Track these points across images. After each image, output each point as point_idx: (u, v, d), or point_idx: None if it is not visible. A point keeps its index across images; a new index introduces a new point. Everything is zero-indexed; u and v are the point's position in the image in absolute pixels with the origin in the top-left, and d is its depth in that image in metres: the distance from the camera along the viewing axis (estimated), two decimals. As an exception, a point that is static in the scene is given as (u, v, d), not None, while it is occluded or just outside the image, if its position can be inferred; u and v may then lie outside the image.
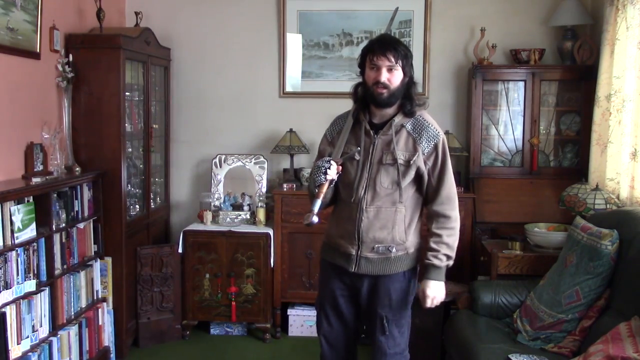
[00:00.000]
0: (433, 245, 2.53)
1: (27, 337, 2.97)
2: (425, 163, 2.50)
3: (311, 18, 4.62)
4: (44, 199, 3.17)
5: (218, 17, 4.70)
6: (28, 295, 2.98)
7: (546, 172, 4.32)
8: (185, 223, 4.57)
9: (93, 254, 3.70)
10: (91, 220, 3.67)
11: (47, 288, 3.16)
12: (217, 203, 4.48)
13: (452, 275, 4.04)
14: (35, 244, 3.05)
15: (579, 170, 4.18)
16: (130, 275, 4.01)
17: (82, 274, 3.55)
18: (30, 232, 3.01)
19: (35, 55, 3.42)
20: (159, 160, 4.60)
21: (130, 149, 4.05)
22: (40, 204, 3.13)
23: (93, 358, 3.61)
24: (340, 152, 2.54)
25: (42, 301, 3.11)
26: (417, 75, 4.46)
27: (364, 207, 2.49)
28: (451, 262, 2.55)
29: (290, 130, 4.49)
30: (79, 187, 3.53)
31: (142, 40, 4.09)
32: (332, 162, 2.47)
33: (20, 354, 2.90)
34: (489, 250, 3.71)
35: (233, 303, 4.20)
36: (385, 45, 2.44)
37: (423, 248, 2.59)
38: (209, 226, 4.32)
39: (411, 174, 2.49)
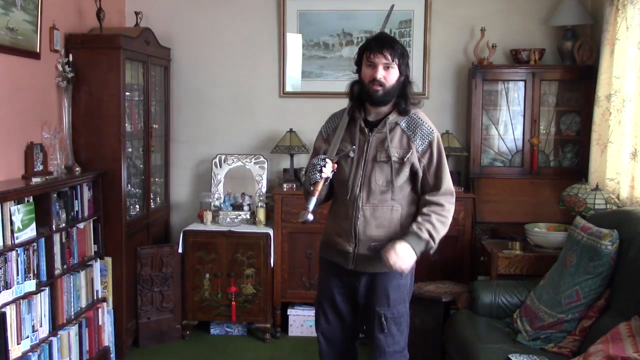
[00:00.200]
0: (419, 219, 2.49)
1: (27, 337, 2.97)
2: (419, 160, 2.52)
3: (311, 18, 4.62)
4: (44, 199, 3.17)
5: (218, 17, 4.70)
6: (28, 295, 2.98)
7: (546, 172, 4.32)
8: (185, 223, 4.57)
9: (93, 254, 3.70)
10: (91, 220, 3.67)
11: (47, 288, 3.16)
12: (217, 203, 4.48)
13: (452, 275, 4.09)
14: (35, 244, 3.05)
15: (579, 170, 4.18)
16: (130, 275, 4.01)
17: (82, 274, 3.55)
18: (30, 232, 3.01)
19: (35, 55, 3.42)
20: (159, 160, 4.60)
21: (130, 149, 4.05)
22: (40, 204, 3.13)
23: (93, 358, 3.61)
24: (335, 150, 2.55)
25: (42, 301, 3.11)
26: (417, 75, 4.52)
27: (360, 205, 2.51)
28: (432, 244, 2.47)
29: (290, 130, 4.49)
30: (79, 187, 3.53)
31: (142, 40, 4.09)
32: (327, 160, 2.49)
33: (20, 354, 2.90)
34: (489, 250, 3.71)
35: (233, 303, 4.20)
36: (383, 43, 2.47)
37: None
38: (209, 226, 4.32)
39: (405, 172, 2.51)
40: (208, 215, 4.36)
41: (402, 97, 2.51)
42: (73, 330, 3.41)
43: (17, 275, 2.89)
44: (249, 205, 4.45)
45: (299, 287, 4.31)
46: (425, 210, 2.51)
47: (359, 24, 4.58)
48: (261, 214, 4.35)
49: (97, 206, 3.73)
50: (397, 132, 2.52)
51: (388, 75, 2.46)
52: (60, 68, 3.60)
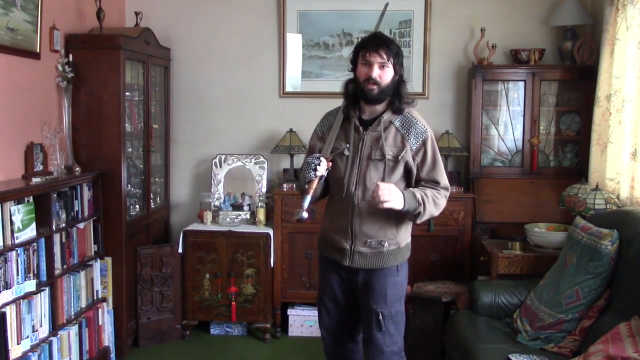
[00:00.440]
0: (417, 188, 2.54)
1: (27, 337, 2.97)
2: (413, 159, 2.56)
3: (311, 18, 4.62)
4: (44, 199, 3.17)
5: (218, 17, 4.70)
6: (28, 295, 2.98)
7: (546, 172, 4.32)
8: (185, 223, 4.56)
9: (93, 254, 3.70)
10: (91, 220, 3.67)
11: (47, 288, 3.16)
12: (217, 203, 4.48)
13: (452, 275, 4.09)
14: (35, 244, 3.05)
15: (579, 170, 4.18)
16: (130, 275, 4.01)
17: (82, 274, 3.55)
18: (30, 232, 3.01)
19: (35, 55, 3.42)
20: (159, 160, 4.60)
21: (130, 149, 4.05)
22: (40, 204, 3.13)
23: (93, 358, 3.61)
24: (330, 148, 2.58)
25: (42, 301, 3.11)
26: (417, 75, 4.53)
27: (356, 203, 2.54)
28: (421, 211, 2.48)
29: (290, 130, 4.49)
30: (79, 187, 3.53)
31: (142, 40, 4.09)
32: (321, 158, 2.51)
33: (20, 354, 2.90)
34: (489, 250, 3.71)
35: (233, 303, 4.20)
36: (378, 42, 2.50)
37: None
38: (209, 226, 4.32)
39: (400, 169, 2.54)
40: (208, 215, 4.36)
41: (396, 96, 2.55)
42: (73, 330, 3.41)
43: (17, 275, 2.89)
44: (249, 205, 4.45)
45: (299, 287, 4.31)
46: (423, 184, 2.57)
47: (359, 24, 4.58)
48: (261, 214, 4.35)
49: (97, 206, 3.73)
50: (391, 131, 2.56)
51: (383, 74, 2.50)
52: (60, 68, 3.60)
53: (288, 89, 4.69)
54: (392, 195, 2.40)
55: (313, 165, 2.48)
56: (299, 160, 4.61)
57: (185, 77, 4.73)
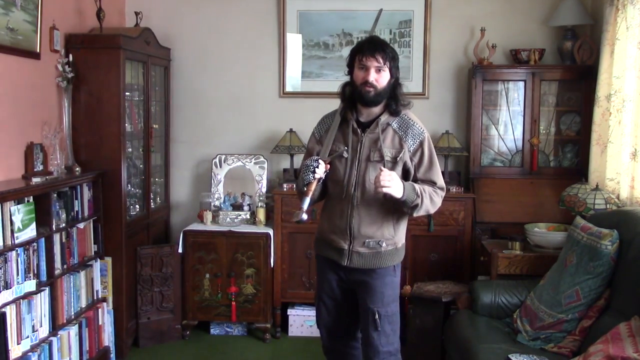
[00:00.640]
0: (417, 183, 2.57)
1: (27, 337, 2.97)
2: (411, 159, 2.60)
3: (311, 18, 4.62)
4: (44, 199, 3.17)
5: (218, 17, 4.70)
6: (28, 295, 2.98)
7: (546, 172, 4.32)
8: (185, 223, 4.57)
9: (93, 254, 3.70)
10: (91, 220, 3.67)
11: (47, 288, 3.16)
12: (217, 203, 4.48)
13: (452, 275, 4.09)
14: (35, 244, 3.05)
15: (579, 170, 4.18)
16: (130, 275, 4.01)
17: (82, 274, 3.55)
18: (30, 232, 3.01)
19: (35, 55, 3.42)
20: (159, 160, 4.60)
21: (130, 149, 4.05)
22: (40, 204, 3.13)
23: (93, 358, 3.61)
24: (328, 151, 2.61)
25: (42, 301, 3.11)
26: (417, 75, 4.53)
27: (355, 204, 2.57)
28: (418, 203, 2.51)
29: (290, 130, 4.49)
30: (79, 187, 3.53)
31: (142, 40, 4.09)
32: (319, 161, 2.54)
33: (20, 354, 2.90)
34: (489, 250, 3.71)
35: (233, 303, 4.20)
36: (375, 46, 2.53)
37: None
38: (209, 226, 4.32)
39: (398, 171, 2.57)
40: (208, 215, 4.36)
41: (393, 98, 2.59)
42: (73, 330, 3.41)
43: (17, 275, 2.89)
44: (249, 205, 4.45)
45: (299, 287, 4.31)
46: (421, 182, 2.61)
47: (359, 24, 4.58)
48: (261, 214, 4.35)
49: (97, 206, 3.73)
50: (389, 133, 2.59)
51: (379, 77, 2.53)
52: (60, 68, 3.60)
53: (288, 89, 4.69)
54: (393, 182, 2.43)
55: (311, 167, 2.51)
56: (299, 160, 4.60)
57: (185, 77, 4.74)
